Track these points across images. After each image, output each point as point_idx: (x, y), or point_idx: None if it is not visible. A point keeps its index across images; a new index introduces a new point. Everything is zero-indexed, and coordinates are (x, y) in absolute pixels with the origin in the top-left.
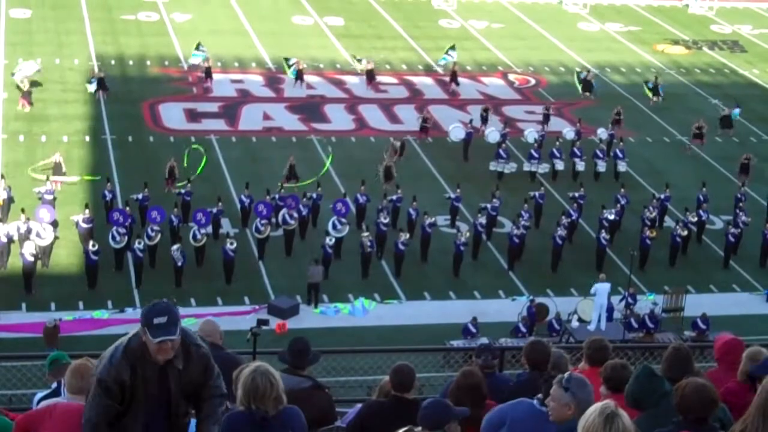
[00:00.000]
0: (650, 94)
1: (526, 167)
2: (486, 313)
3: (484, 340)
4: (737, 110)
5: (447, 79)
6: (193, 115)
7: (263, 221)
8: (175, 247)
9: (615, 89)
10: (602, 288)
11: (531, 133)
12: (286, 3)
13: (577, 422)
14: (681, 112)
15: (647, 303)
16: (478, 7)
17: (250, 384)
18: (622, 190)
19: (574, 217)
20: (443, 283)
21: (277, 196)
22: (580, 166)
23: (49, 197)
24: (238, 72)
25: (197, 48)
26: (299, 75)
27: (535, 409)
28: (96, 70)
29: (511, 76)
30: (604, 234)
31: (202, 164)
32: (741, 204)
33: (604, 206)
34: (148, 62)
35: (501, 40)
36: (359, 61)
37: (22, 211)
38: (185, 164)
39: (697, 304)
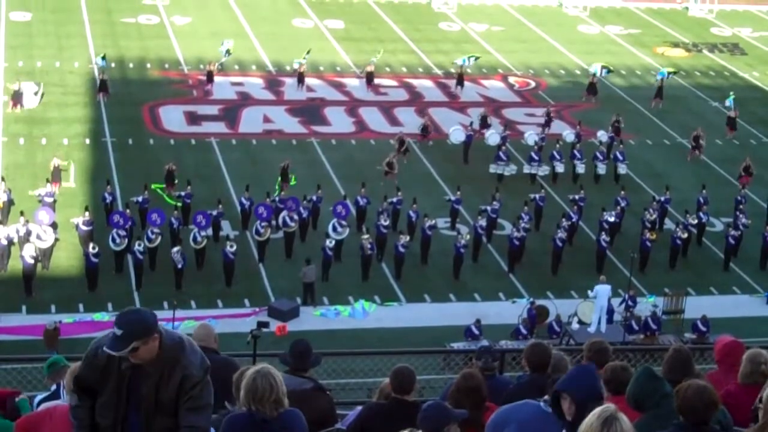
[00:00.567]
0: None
1: (527, 170)
2: (486, 316)
3: (485, 343)
4: (731, 97)
5: (447, 80)
6: (193, 118)
7: (263, 223)
8: (175, 249)
9: (615, 92)
10: (602, 290)
11: (531, 136)
12: (287, 6)
13: None
14: (681, 115)
15: (647, 305)
16: (478, 9)
17: (250, 385)
18: (623, 192)
19: (574, 220)
20: (443, 285)
21: (277, 199)
22: (581, 168)
23: (49, 200)
24: (239, 75)
25: (227, 53)
26: (300, 78)
27: (542, 411)
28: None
29: (512, 79)
30: (604, 236)
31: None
32: (741, 206)
33: (604, 208)
34: (149, 65)
35: (501, 42)
36: (378, 53)
37: (21, 213)
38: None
39: (698, 306)
